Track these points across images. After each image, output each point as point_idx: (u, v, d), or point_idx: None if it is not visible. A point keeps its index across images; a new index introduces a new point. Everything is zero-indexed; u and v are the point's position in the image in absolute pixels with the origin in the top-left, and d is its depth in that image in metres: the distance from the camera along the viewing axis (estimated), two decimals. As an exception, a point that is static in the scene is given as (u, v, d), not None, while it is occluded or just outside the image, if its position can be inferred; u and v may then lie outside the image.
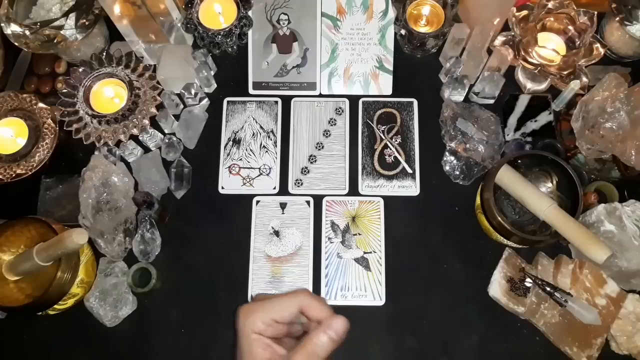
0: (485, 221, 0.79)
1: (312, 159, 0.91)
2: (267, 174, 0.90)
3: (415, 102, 0.93)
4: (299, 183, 0.89)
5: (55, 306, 0.77)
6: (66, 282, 0.75)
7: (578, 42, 0.87)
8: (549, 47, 0.87)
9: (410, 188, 0.89)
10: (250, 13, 0.95)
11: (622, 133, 0.79)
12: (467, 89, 0.90)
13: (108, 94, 0.89)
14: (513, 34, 0.89)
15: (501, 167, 0.78)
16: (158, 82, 0.90)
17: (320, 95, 0.94)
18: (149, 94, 0.89)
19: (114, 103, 0.89)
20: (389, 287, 0.83)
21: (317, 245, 0.86)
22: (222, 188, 0.89)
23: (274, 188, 0.89)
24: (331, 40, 0.96)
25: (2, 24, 0.89)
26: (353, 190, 0.89)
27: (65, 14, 0.88)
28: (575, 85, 0.84)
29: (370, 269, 0.84)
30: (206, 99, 0.93)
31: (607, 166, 0.86)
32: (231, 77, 0.96)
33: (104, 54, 0.90)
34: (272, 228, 0.87)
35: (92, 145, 0.87)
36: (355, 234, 0.86)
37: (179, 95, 0.92)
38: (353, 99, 0.94)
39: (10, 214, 0.82)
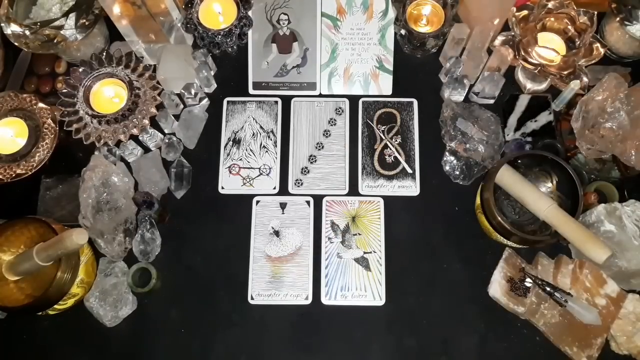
0: (485, 221, 0.79)
1: (312, 159, 0.91)
2: (267, 174, 0.90)
3: (415, 102, 0.93)
4: (299, 183, 0.89)
5: (55, 306, 0.77)
6: (66, 282, 0.75)
7: (578, 42, 0.87)
8: (549, 47, 0.87)
9: (410, 188, 0.89)
10: (250, 13, 0.95)
11: (622, 133, 0.79)
12: (467, 89, 0.90)
13: (108, 94, 0.89)
14: (513, 34, 0.89)
15: (501, 167, 0.78)
16: (158, 82, 0.90)
17: (320, 95, 0.94)
18: (149, 94, 0.89)
19: (114, 103, 0.89)
20: (389, 287, 0.83)
21: (317, 245, 0.86)
22: (222, 188, 0.89)
23: (274, 188, 0.89)
24: (331, 40, 0.96)
25: (2, 24, 0.89)
26: (353, 190, 0.89)
27: (65, 14, 0.88)
28: (575, 85, 0.84)
29: (370, 269, 0.84)
30: (206, 99, 0.93)
31: (607, 166, 0.86)
32: (231, 77, 0.96)
33: (104, 54, 0.90)
34: (272, 228, 0.87)
35: (92, 145, 0.87)
36: (355, 234, 0.86)
37: (179, 95, 0.92)
38: (353, 99, 0.94)
39: (10, 214, 0.82)
